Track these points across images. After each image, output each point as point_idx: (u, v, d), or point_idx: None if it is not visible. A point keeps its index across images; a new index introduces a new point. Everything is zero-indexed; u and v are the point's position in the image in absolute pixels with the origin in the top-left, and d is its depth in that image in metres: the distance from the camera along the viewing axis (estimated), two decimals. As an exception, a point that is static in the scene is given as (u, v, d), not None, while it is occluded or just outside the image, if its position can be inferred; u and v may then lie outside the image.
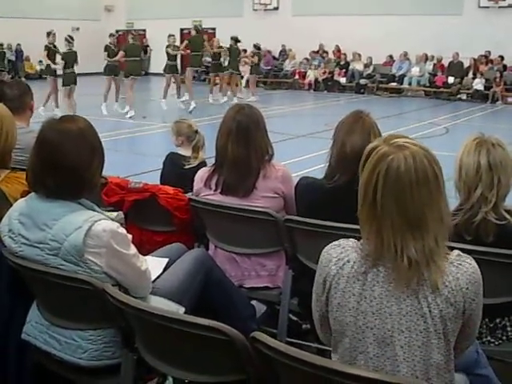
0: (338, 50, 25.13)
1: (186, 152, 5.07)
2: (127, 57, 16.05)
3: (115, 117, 15.89)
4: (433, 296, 1.87)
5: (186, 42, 17.62)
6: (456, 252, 1.97)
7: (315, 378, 1.75)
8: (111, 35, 17.53)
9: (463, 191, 2.88)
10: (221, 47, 19.98)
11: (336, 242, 2.06)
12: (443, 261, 1.90)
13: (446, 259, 1.92)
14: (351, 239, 2.04)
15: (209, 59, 23.89)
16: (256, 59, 20.92)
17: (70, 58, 15.22)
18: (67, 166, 2.47)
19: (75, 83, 15.21)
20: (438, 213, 1.89)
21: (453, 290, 1.88)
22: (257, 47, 21.30)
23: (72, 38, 15.63)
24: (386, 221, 1.86)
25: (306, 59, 25.40)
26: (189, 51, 17.54)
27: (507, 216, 2.84)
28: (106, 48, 16.92)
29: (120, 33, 29.93)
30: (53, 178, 2.48)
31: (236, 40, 19.73)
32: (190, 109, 16.72)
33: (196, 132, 5.10)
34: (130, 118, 15.76)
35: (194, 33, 17.88)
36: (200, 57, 18.10)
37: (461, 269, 1.91)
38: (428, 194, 1.86)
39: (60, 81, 15.27)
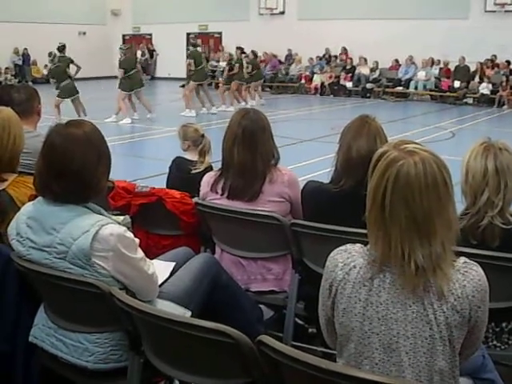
0: (345, 53, 25.11)
1: (192, 156, 5.06)
2: (125, 73, 15.97)
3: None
4: (439, 303, 1.87)
5: (190, 60, 17.59)
6: (463, 259, 1.96)
7: (321, 381, 1.76)
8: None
9: (469, 195, 2.88)
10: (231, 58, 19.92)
11: (342, 247, 2.06)
12: (450, 268, 1.90)
13: (453, 266, 1.91)
14: (358, 244, 2.05)
15: (215, 63, 23.95)
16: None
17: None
18: (74, 170, 2.48)
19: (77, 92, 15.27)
20: (447, 219, 1.89)
21: (459, 298, 1.88)
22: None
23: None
24: (393, 226, 1.87)
25: (312, 65, 25.41)
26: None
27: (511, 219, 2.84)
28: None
29: (127, 37, 30.12)
30: (59, 182, 2.49)
31: (242, 51, 19.65)
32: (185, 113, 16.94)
33: (202, 136, 5.09)
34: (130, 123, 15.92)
35: (192, 48, 17.81)
36: (203, 71, 18.02)
37: (467, 276, 1.91)
38: (437, 200, 1.86)
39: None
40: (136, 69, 16.45)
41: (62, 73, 15.18)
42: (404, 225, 1.85)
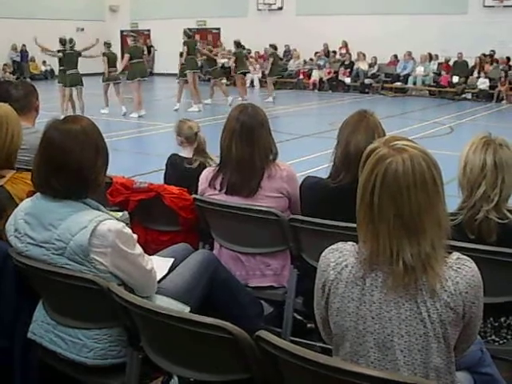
0: (345, 46, 25.07)
1: (187, 153, 5.06)
2: (131, 59, 16.08)
3: (120, 117, 15.92)
4: (432, 301, 1.87)
5: (184, 47, 17.65)
6: (456, 255, 1.96)
7: (319, 376, 1.76)
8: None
9: (466, 188, 2.87)
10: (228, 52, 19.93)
11: (334, 246, 2.06)
12: (441, 265, 1.89)
13: (445, 263, 1.91)
14: (349, 242, 2.04)
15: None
16: (271, 60, 20.43)
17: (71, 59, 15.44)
18: (72, 166, 2.48)
19: (82, 84, 15.39)
20: (436, 217, 1.87)
21: (452, 295, 1.87)
22: (273, 47, 20.59)
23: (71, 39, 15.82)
24: (382, 224, 1.86)
25: (311, 59, 25.38)
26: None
27: (509, 215, 2.83)
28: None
29: (125, 33, 30.05)
30: (58, 178, 2.49)
31: (239, 44, 19.68)
32: (192, 109, 16.96)
33: (196, 134, 5.09)
34: (140, 116, 15.93)
35: (186, 38, 17.84)
36: (195, 60, 18.01)
37: (460, 272, 1.90)
38: (425, 198, 1.85)
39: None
40: (141, 59, 16.52)
41: (72, 61, 15.43)
42: (392, 223, 1.84)
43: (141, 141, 13.71)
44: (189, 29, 18.40)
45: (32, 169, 2.63)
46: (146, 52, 18.38)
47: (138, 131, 14.46)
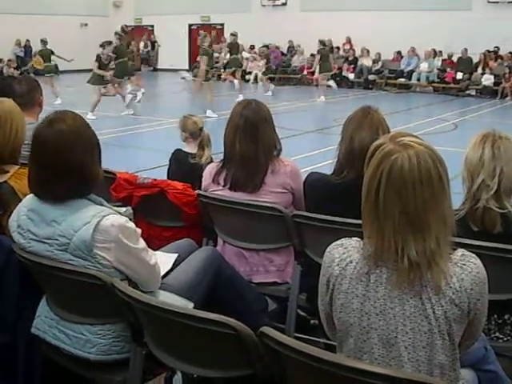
0: (349, 42, 25.00)
1: (191, 149, 5.06)
2: (116, 59, 15.79)
3: (119, 114, 15.86)
4: (436, 297, 1.86)
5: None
6: (460, 252, 1.95)
7: (323, 372, 1.76)
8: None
9: (467, 180, 2.88)
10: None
11: (338, 242, 2.05)
12: (446, 262, 1.88)
13: (450, 260, 1.90)
14: (354, 238, 2.03)
15: (216, 55, 23.93)
16: (318, 57, 19.71)
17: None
18: (72, 168, 2.46)
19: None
20: (441, 214, 1.87)
21: (457, 291, 1.87)
22: (322, 43, 19.65)
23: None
24: (387, 220, 1.85)
25: (312, 55, 25.32)
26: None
27: (508, 206, 2.82)
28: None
29: (128, 29, 30.06)
30: (60, 183, 2.47)
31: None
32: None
33: (200, 130, 5.09)
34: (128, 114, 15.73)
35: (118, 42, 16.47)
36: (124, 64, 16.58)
37: (465, 269, 1.89)
38: (431, 195, 1.84)
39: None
40: (125, 58, 16.27)
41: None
42: (397, 219, 1.84)
43: (144, 136, 13.68)
44: (126, 25, 18.07)
45: (28, 177, 2.60)
46: (133, 50, 18.52)
47: (140, 127, 14.43)
